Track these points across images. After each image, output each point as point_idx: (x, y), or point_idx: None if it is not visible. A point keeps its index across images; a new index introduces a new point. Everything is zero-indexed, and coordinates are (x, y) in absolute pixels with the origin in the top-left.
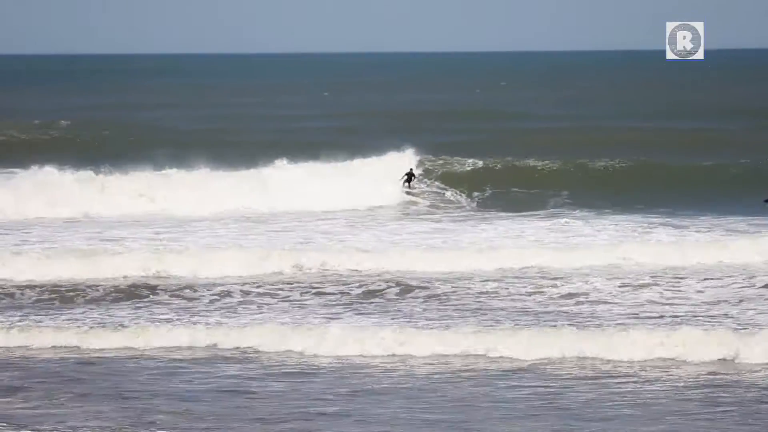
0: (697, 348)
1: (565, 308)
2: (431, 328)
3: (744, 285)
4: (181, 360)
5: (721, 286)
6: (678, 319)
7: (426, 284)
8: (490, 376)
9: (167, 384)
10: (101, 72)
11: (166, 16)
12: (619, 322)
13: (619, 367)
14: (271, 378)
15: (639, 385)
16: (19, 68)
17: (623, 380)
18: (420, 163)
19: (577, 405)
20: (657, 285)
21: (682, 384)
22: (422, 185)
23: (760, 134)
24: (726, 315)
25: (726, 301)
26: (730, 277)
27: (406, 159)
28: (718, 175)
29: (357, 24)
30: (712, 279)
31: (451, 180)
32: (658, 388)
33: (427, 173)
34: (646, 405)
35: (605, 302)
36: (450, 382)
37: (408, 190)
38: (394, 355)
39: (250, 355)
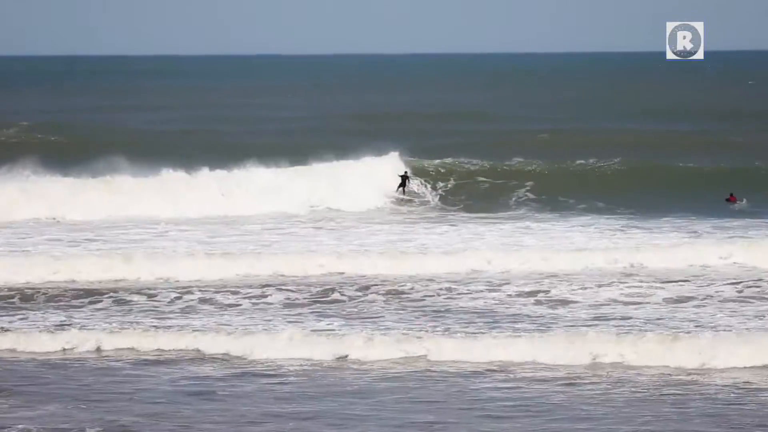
0: (663, 352)
1: (525, 310)
2: (394, 330)
3: (702, 285)
4: (146, 362)
5: (681, 287)
6: (641, 321)
7: (389, 286)
8: (459, 378)
9: (134, 386)
10: (95, 74)
11: (166, 17)
12: (580, 324)
13: (589, 369)
14: (239, 380)
15: (609, 387)
16: (11, 69)
17: (594, 381)
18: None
19: (549, 406)
20: (619, 287)
21: (652, 386)
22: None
23: (744, 137)
24: (686, 318)
25: (688, 302)
26: (689, 280)
27: (385, 162)
28: (691, 176)
29: (357, 26)
30: (673, 281)
31: (422, 181)
32: (629, 390)
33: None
34: (617, 407)
35: (567, 304)
36: (420, 384)
37: (402, 195)
38: (359, 360)
39: (218, 357)
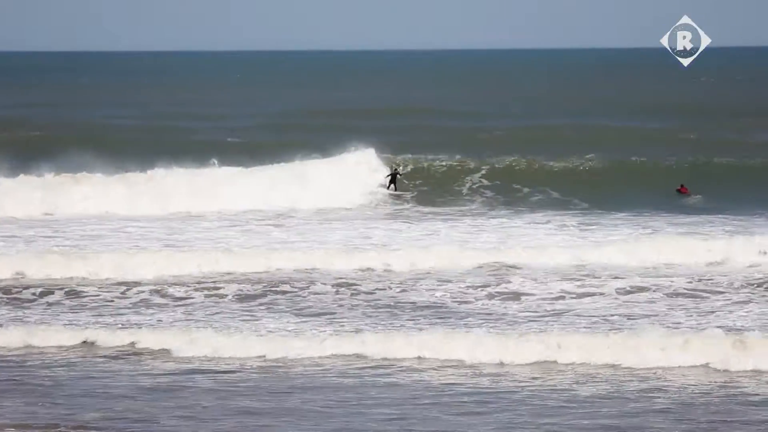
0: (617, 349)
1: (473, 306)
2: (348, 326)
3: (656, 281)
4: (103, 358)
5: (635, 283)
6: (597, 318)
7: (344, 281)
8: (421, 373)
9: (94, 382)
10: (89, 69)
11: (166, 14)
12: (536, 320)
13: (549, 366)
14: (199, 377)
15: (576, 384)
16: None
17: (556, 378)
18: (359, 163)
19: (514, 402)
20: (574, 282)
21: (615, 382)
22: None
23: (699, 133)
24: (640, 314)
25: (642, 299)
26: (642, 275)
27: (350, 159)
28: (648, 172)
29: (355, 23)
30: (623, 278)
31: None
32: (591, 387)
33: (372, 172)
34: (580, 402)
35: (523, 300)
36: (382, 379)
37: (394, 191)
38: (317, 356)
39: (174, 354)
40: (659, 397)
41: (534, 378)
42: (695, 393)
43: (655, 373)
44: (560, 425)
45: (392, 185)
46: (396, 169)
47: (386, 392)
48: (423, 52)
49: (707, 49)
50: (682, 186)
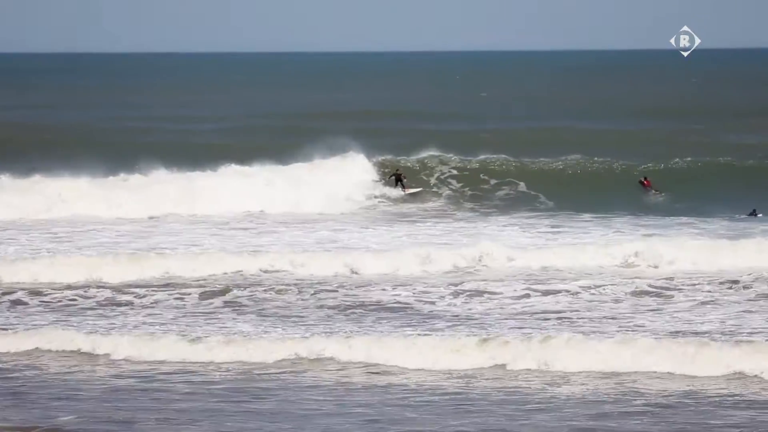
0: (593, 354)
1: (439, 307)
2: (316, 329)
3: (622, 283)
4: (72, 361)
5: (599, 285)
6: (561, 322)
7: (316, 285)
8: (396, 376)
9: (66, 385)
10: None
11: (166, 14)
12: (502, 321)
13: (530, 371)
14: (173, 379)
15: (549, 387)
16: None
17: (531, 381)
18: (342, 166)
19: (490, 405)
20: (541, 284)
21: (591, 386)
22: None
23: (664, 133)
24: (607, 316)
25: (607, 301)
26: (607, 275)
27: (338, 162)
28: (618, 172)
29: (357, 23)
30: (592, 278)
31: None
32: (568, 390)
33: (356, 175)
34: (557, 407)
35: (491, 301)
36: (355, 381)
37: (402, 192)
38: (289, 360)
39: (145, 357)
40: (635, 400)
41: (510, 381)
42: (670, 396)
43: (629, 377)
44: (538, 427)
45: (399, 184)
46: (398, 170)
47: (362, 394)
48: (424, 53)
49: (706, 51)
50: (645, 179)
